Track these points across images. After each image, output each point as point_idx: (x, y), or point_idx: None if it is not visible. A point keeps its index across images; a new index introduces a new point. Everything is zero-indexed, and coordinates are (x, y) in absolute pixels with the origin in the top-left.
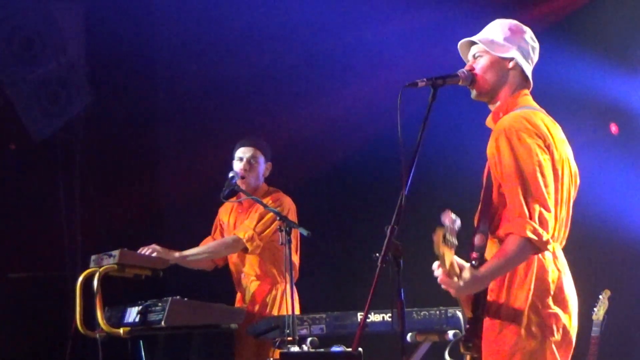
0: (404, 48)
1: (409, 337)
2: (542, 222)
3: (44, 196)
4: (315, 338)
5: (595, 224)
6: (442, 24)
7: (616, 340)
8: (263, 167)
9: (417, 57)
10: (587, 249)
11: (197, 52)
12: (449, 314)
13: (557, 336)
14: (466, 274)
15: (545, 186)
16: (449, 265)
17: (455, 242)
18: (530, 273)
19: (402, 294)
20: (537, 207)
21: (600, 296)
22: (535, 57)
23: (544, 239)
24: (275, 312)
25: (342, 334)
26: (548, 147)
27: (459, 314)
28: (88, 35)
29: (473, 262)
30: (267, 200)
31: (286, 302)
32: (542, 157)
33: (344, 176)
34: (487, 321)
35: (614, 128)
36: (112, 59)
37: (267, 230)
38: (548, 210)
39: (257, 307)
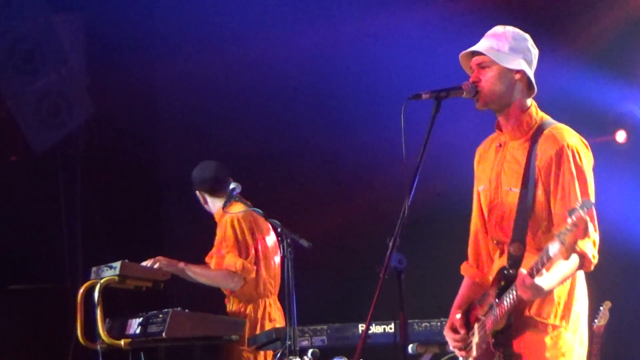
0: (408, 60)
1: (410, 348)
2: (595, 243)
3: (45, 208)
4: (317, 350)
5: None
6: (446, 36)
7: (617, 351)
8: (201, 199)
9: (422, 69)
10: None
11: (198, 63)
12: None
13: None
14: (542, 282)
15: (595, 206)
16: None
17: None
18: (573, 279)
19: (404, 306)
20: (591, 228)
21: (601, 307)
22: (535, 63)
23: (595, 260)
24: (257, 329)
25: (343, 346)
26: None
27: None
28: (88, 47)
29: (505, 271)
30: (228, 218)
31: (284, 315)
32: (592, 175)
33: (346, 187)
34: (535, 326)
35: (620, 135)
36: (112, 71)
37: (251, 251)
38: (597, 230)
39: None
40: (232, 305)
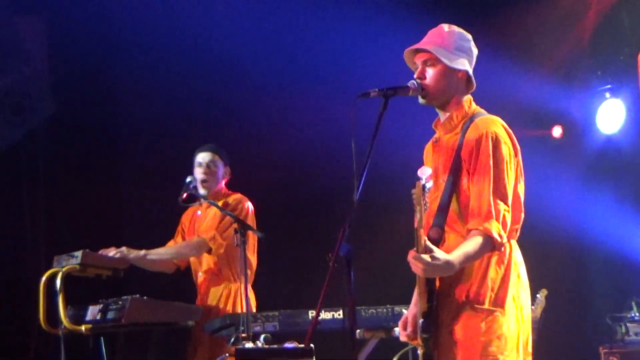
0: (358, 57)
1: (357, 333)
2: (504, 224)
3: (9, 203)
4: (269, 335)
5: (534, 225)
6: (395, 33)
7: (553, 338)
8: (222, 170)
9: (372, 66)
10: (526, 248)
11: (159, 61)
12: (396, 312)
13: (527, 321)
14: (440, 255)
15: (511, 190)
16: (419, 222)
17: (428, 204)
18: (507, 265)
19: (353, 293)
20: (502, 209)
21: (538, 295)
22: (475, 62)
23: (503, 240)
24: (229, 310)
25: (294, 331)
26: (516, 152)
27: (405, 312)
28: (51, 45)
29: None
30: (226, 203)
31: (241, 301)
32: (512, 162)
33: (298, 178)
34: (470, 312)
35: (556, 131)
36: (74, 69)
37: (228, 230)
38: (509, 212)
39: (213, 306)
40: (213, 285)
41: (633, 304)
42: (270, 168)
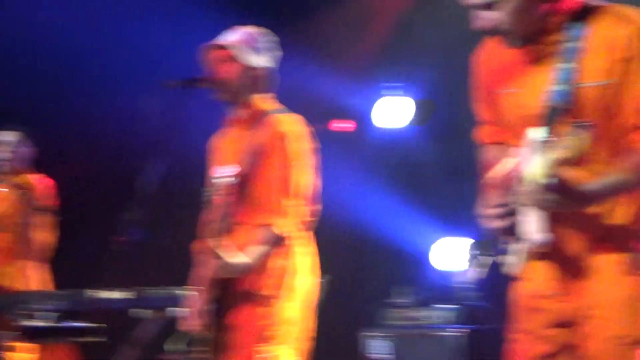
0: (161, 47)
1: (140, 313)
2: (292, 219)
3: None
4: (56, 313)
5: (323, 216)
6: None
7: (325, 323)
8: (18, 150)
9: (176, 57)
10: (314, 237)
11: None
12: (175, 293)
13: (308, 308)
14: (236, 261)
15: (306, 186)
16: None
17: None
18: (288, 255)
19: (140, 274)
20: (291, 205)
21: (321, 281)
22: (277, 63)
23: (287, 233)
24: (22, 288)
25: (80, 310)
26: (312, 149)
27: (183, 293)
28: None
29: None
30: (24, 182)
31: (33, 279)
32: (309, 159)
33: (107, 162)
34: (249, 298)
35: (344, 125)
36: None
37: (21, 209)
38: (301, 207)
39: (4, 284)
40: (6, 263)
41: (393, 291)
42: (79, 151)
